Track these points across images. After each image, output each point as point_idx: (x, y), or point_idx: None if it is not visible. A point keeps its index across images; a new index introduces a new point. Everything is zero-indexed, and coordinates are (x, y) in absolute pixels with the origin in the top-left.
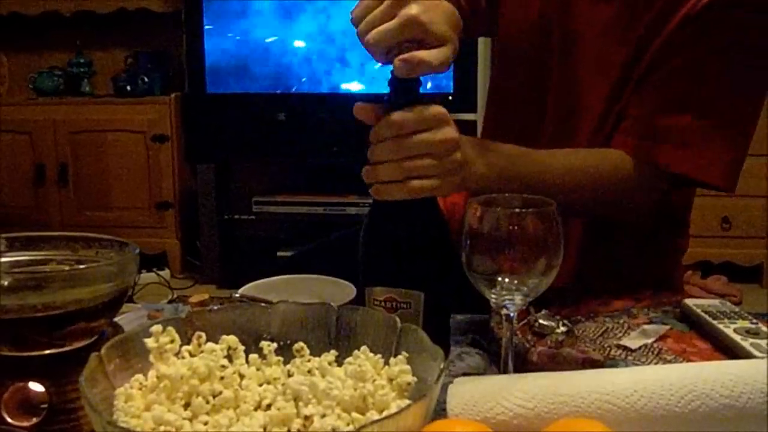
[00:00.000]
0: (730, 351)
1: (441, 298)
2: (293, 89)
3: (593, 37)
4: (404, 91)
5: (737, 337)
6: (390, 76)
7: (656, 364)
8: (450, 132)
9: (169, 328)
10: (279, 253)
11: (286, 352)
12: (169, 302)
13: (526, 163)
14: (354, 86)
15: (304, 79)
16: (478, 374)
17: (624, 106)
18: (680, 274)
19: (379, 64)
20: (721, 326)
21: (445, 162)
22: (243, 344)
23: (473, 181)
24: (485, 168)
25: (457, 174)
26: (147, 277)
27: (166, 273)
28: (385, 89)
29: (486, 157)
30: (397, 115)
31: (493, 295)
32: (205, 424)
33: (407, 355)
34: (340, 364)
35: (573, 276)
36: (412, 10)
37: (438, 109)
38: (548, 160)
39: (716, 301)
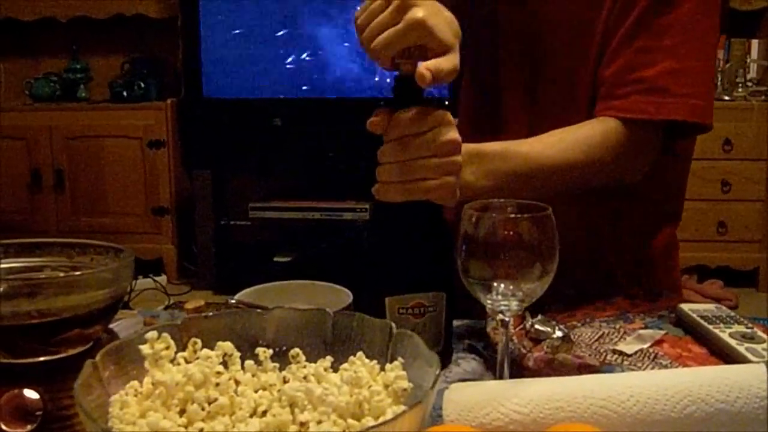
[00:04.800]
0: (725, 356)
1: (455, 296)
2: (289, 95)
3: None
4: (409, 95)
5: (733, 342)
6: (394, 81)
7: (652, 369)
8: (453, 134)
9: (165, 334)
10: (275, 259)
11: (281, 359)
12: (166, 308)
13: (512, 157)
14: (351, 92)
15: (301, 86)
16: (474, 380)
17: (598, 73)
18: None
19: (378, 71)
20: (716, 331)
21: (446, 163)
22: (238, 350)
23: (464, 190)
24: (472, 175)
25: (456, 177)
26: (143, 282)
27: (162, 279)
28: (385, 94)
29: (473, 163)
30: (401, 116)
31: (488, 301)
32: (201, 430)
33: (403, 360)
34: (335, 370)
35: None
36: (418, 14)
37: (441, 112)
38: (537, 146)
39: (712, 306)
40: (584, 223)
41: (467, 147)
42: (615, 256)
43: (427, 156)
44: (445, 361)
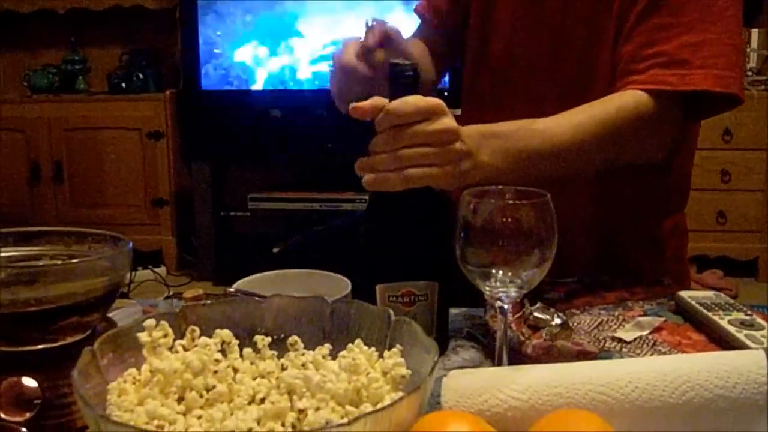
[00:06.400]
0: (724, 342)
1: (449, 285)
2: (288, 86)
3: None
4: (403, 86)
5: (732, 329)
6: (389, 73)
7: (651, 356)
8: (448, 122)
9: (163, 322)
10: (274, 250)
11: (280, 346)
12: (165, 299)
13: (526, 135)
14: None
15: (299, 77)
16: (473, 367)
17: (615, 52)
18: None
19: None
20: (715, 318)
21: (444, 151)
22: (237, 338)
23: (480, 172)
24: (488, 156)
25: (457, 164)
26: (143, 274)
27: (162, 270)
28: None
29: (488, 144)
30: (394, 106)
31: (487, 288)
32: (199, 418)
33: (401, 348)
34: (334, 358)
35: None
36: None
37: (435, 101)
38: (551, 123)
39: (711, 293)
40: (598, 201)
41: (480, 128)
42: (626, 236)
43: (422, 144)
44: (441, 350)
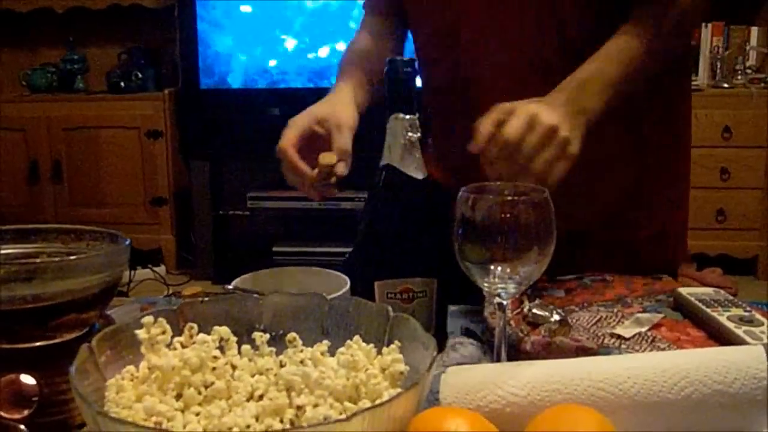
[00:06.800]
0: (723, 339)
1: (448, 282)
2: (287, 85)
3: None
4: (401, 81)
5: (731, 325)
6: (388, 83)
7: (650, 352)
8: (547, 119)
9: (161, 319)
10: (274, 248)
11: (278, 343)
12: (164, 298)
13: (601, 69)
14: None
15: (299, 75)
16: (472, 364)
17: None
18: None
19: None
20: (714, 314)
21: (557, 147)
22: (235, 335)
23: (586, 117)
24: (589, 101)
25: (567, 148)
26: (142, 273)
27: (161, 269)
28: None
29: (578, 91)
30: (505, 136)
31: (485, 284)
32: (197, 414)
33: (399, 344)
34: (332, 354)
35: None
36: None
37: (525, 108)
38: (609, 50)
39: (710, 290)
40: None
41: (559, 89)
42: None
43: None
44: (439, 346)
